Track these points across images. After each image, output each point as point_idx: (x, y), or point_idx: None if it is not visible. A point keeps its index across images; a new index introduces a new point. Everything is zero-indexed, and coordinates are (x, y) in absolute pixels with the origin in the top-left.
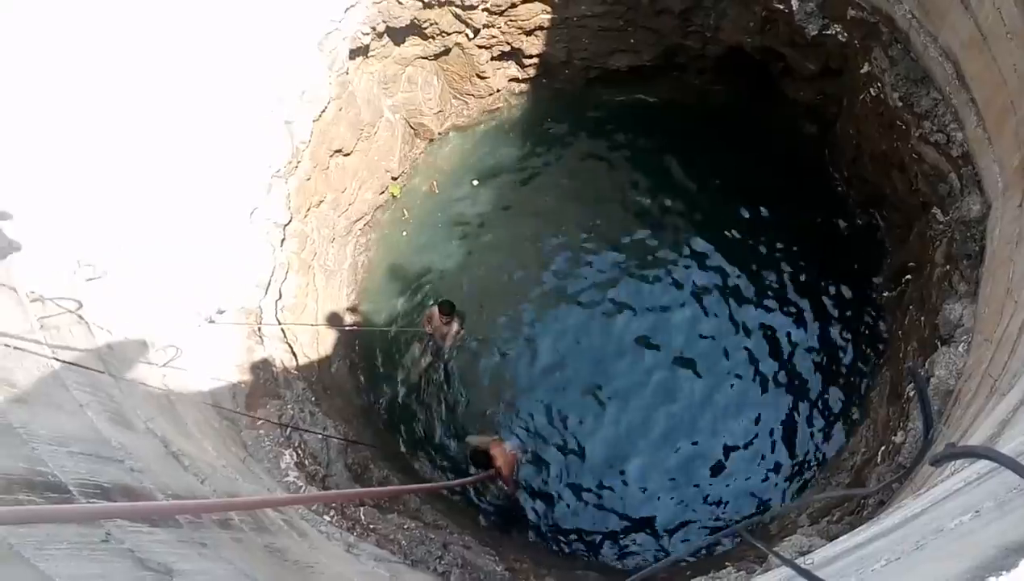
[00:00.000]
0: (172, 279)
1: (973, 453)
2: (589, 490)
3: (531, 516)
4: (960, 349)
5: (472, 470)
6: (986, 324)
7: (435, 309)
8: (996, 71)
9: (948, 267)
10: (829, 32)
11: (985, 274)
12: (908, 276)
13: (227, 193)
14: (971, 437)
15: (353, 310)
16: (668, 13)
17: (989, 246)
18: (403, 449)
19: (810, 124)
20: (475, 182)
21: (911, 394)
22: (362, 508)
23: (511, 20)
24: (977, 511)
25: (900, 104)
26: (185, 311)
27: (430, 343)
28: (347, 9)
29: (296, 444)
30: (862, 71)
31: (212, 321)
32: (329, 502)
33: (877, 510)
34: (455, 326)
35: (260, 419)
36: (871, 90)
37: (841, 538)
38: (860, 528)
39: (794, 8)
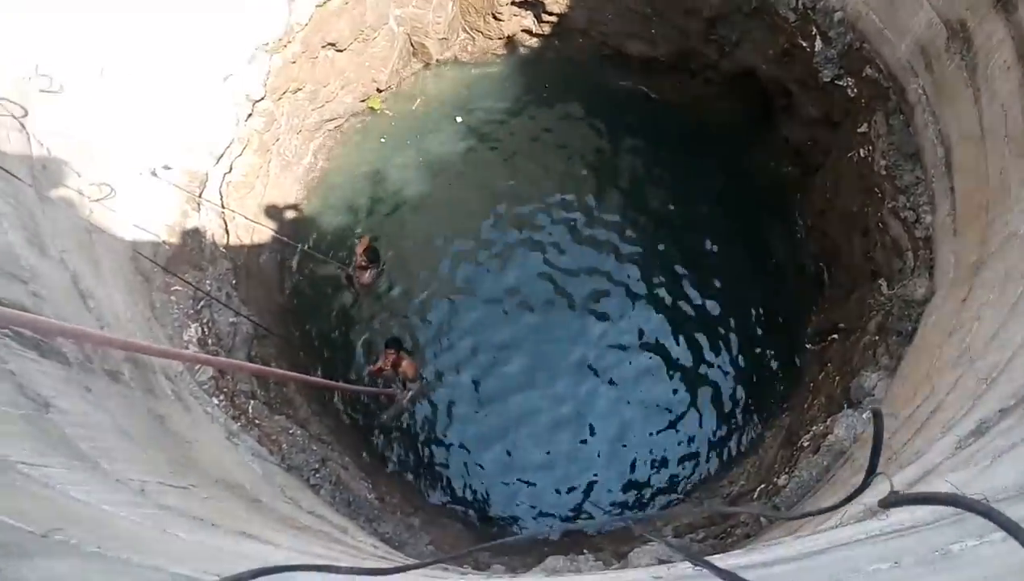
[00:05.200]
0: (127, 118)
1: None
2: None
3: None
4: (864, 416)
5: None
6: (896, 401)
7: (361, 245)
8: (983, 169)
9: (877, 338)
10: (841, 83)
11: (909, 354)
12: (835, 335)
13: (207, 50)
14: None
15: (297, 207)
16: (696, 15)
17: (921, 329)
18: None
19: (792, 166)
20: (459, 119)
21: (805, 445)
22: (252, 401)
23: None
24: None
25: (884, 172)
26: (131, 154)
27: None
28: None
29: (205, 321)
30: (859, 130)
31: (155, 174)
32: (229, 369)
33: (743, 542)
34: (370, 273)
35: (180, 280)
36: (861, 151)
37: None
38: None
39: (816, 49)
